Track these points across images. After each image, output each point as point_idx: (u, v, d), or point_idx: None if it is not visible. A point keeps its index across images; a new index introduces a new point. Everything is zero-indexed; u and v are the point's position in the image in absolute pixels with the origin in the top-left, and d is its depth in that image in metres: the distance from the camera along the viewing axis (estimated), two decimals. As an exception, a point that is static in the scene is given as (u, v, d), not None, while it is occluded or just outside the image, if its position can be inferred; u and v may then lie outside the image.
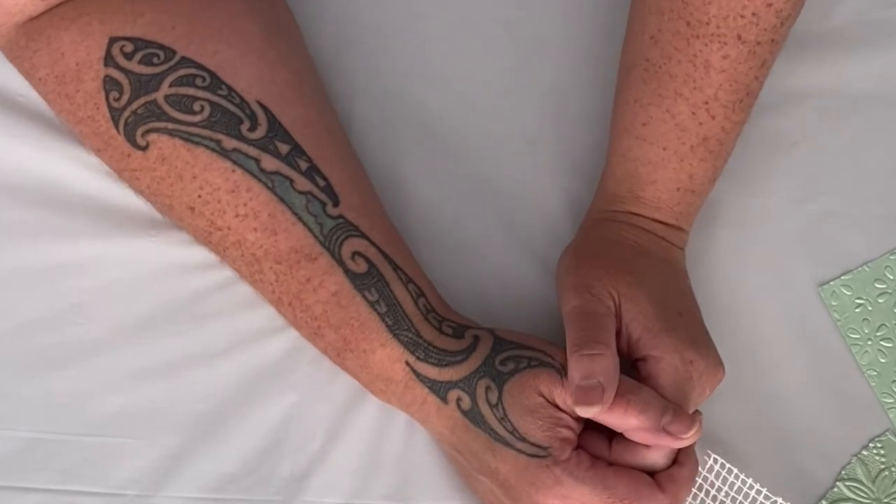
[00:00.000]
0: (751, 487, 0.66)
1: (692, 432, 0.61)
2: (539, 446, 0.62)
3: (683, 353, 0.63)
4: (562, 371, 0.62)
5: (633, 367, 0.64)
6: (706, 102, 0.65)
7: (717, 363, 0.65)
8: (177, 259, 0.69)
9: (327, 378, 0.68)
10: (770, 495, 0.65)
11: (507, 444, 0.62)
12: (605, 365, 0.61)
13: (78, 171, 0.69)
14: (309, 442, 0.68)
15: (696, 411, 0.63)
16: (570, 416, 0.62)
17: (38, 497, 0.66)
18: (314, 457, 0.68)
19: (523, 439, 0.62)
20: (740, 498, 0.66)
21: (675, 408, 0.61)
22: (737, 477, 0.66)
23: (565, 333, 0.63)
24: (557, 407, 0.62)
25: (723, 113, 0.66)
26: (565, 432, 0.62)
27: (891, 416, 0.71)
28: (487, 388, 0.63)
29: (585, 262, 0.66)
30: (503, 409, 0.62)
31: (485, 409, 0.63)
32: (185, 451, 0.67)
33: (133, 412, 0.67)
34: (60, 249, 0.69)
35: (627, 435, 0.62)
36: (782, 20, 0.64)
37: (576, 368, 0.61)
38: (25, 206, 0.69)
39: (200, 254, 0.68)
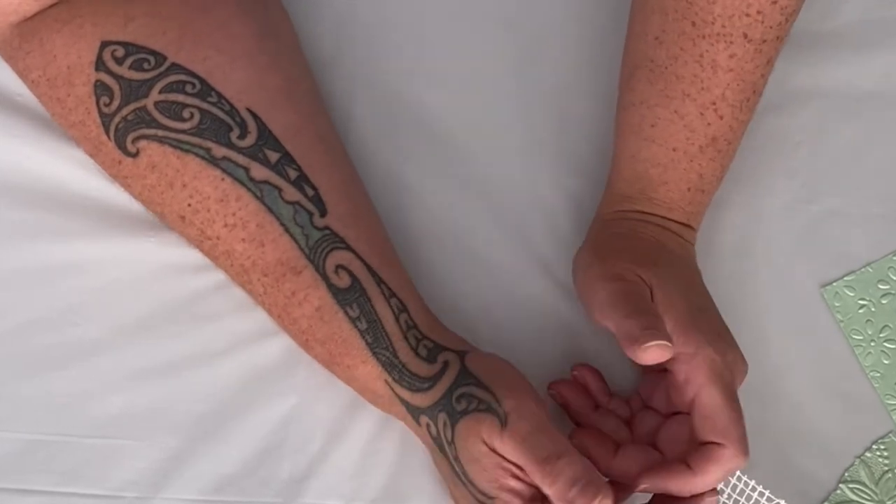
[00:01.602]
0: (753, 489, 0.66)
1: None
2: (485, 494, 0.61)
3: (716, 345, 0.62)
4: (504, 420, 0.60)
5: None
6: (714, 102, 0.65)
7: (741, 356, 0.64)
8: (176, 259, 0.69)
9: (327, 380, 0.67)
10: (773, 497, 0.65)
11: (462, 483, 0.62)
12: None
13: (77, 171, 0.69)
14: (309, 443, 0.68)
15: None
16: (516, 466, 0.60)
17: (37, 499, 0.66)
18: (314, 458, 0.67)
19: (472, 483, 0.61)
20: (742, 500, 0.66)
21: (585, 480, 0.59)
22: (739, 479, 0.66)
23: (610, 315, 0.62)
24: (503, 456, 0.61)
25: (731, 112, 0.65)
26: (512, 482, 0.60)
27: (894, 417, 0.71)
28: (444, 424, 0.62)
29: (609, 256, 0.66)
30: (455, 449, 0.62)
31: (444, 443, 0.62)
32: (184, 453, 0.67)
33: (133, 413, 0.67)
34: (60, 250, 0.69)
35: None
36: (787, 16, 0.63)
37: (638, 324, 0.60)
38: (24, 206, 0.69)
39: (199, 254, 0.67)
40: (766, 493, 0.65)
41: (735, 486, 0.66)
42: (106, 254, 0.69)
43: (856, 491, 0.69)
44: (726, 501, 0.66)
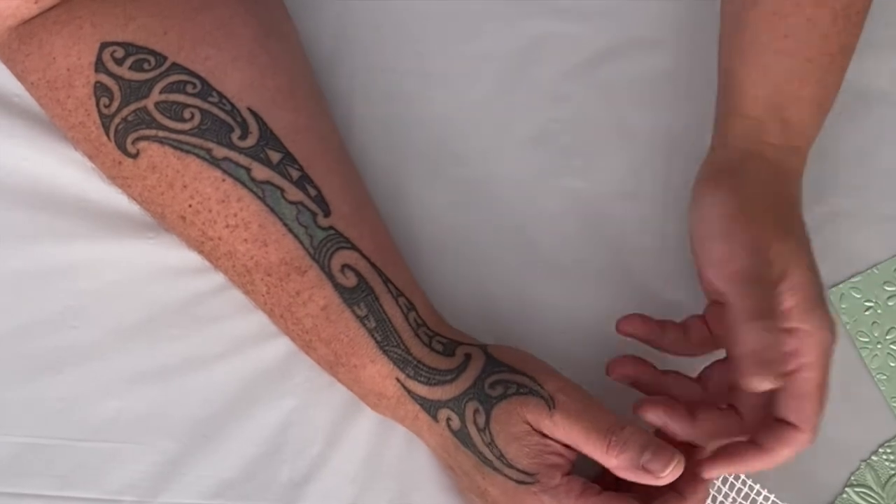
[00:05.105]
0: (758, 493, 0.65)
1: (668, 471, 0.59)
2: (526, 473, 0.61)
3: (833, 327, 0.61)
4: (550, 402, 0.61)
5: None
6: (845, 7, 0.64)
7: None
8: (175, 261, 0.69)
9: (327, 382, 0.67)
10: (778, 502, 0.65)
11: (495, 468, 0.61)
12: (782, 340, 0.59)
13: (74, 172, 0.69)
14: (308, 447, 0.67)
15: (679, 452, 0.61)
16: (558, 443, 0.61)
17: (34, 503, 0.66)
18: (314, 462, 0.67)
19: (511, 465, 0.61)
20: (747, 504, 0.65)
21: (655, 446, 0.60)
22: (744, 483, 0.65)
23: (726, 292, 0.60)
24: (545, 435, 0.61)
25: (857, 20, 0.64)
26: (553, 458, 0.61)
27: (901, 420, 0.70)
28: (475, 412, 0.62)
29: (757, 218, 0.62)
30: (490, 434, 0.62)
31: (473, 431, 0.62)
32: (183, 457, 0.67)
33: (130, 417, 0.67)
34: (57, 251, 0.68)
35: (611, 470, 0.61)
36: None
37: (752, 337, 0.59)
38: (22, 207, 0.69)
39: (198, 256, 0.67)
40: (772, 497, 0.65)
41: (740, 490, 0.65)
42: (104, 255, 0.69)
43: (862, 495, 0.69)
44: (731, 505, 0.66)
